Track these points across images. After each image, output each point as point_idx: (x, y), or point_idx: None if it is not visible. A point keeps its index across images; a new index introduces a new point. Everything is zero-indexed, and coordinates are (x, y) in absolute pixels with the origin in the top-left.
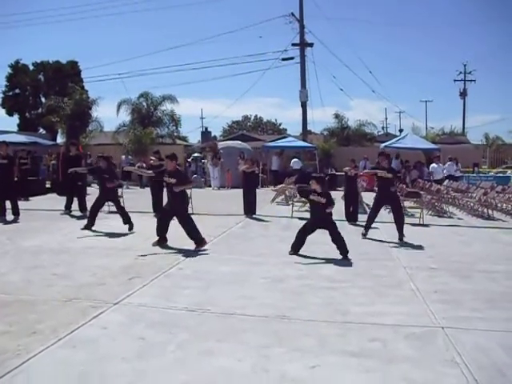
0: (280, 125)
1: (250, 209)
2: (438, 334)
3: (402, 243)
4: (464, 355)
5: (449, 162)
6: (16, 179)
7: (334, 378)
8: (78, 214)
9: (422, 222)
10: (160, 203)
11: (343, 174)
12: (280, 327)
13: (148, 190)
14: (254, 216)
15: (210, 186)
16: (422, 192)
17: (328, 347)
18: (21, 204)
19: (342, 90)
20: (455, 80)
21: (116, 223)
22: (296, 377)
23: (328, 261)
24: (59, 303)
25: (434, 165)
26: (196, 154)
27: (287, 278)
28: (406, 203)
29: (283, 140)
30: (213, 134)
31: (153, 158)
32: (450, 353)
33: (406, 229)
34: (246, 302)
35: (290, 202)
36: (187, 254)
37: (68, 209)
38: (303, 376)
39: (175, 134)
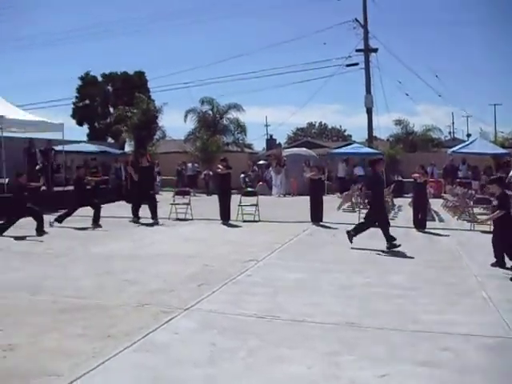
0: (345, 131)
1: (316, 216)
2: None
3: (473, 251)
4: None
5: None
6: (89, 187)
7: None
8: (146, 221)
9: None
10: (227, 211)
11: (411, 180)
12: (349, 335)
13: (214, 197)
14: (320, 223)
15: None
16: (491, 198)
17: (398, 356)
18: (91, 211)
19: (407, 95)
20: None
21: (184, 230)
22: None
23: (397, 268)
24: (131, 308)
25: None
26: (261, 162)
27: (355, 285)
28: (476, 210)
29: (348, 147)
30: (277, 142)
31: (220, 166)
32: None
33: (477, 236)
34: (315, 309)
35: (356, 209)
36: (255, 261)
37: (136, 216)
38: None
39: (240, 141)
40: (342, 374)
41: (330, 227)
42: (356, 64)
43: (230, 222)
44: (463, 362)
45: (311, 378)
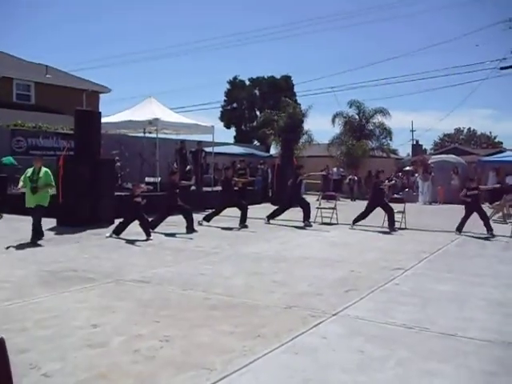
0: (495, 138)
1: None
2: None
3: None
4: None
5: None
6: (237, 188)
7: None
8: (290, 223)
9: None
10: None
11: None
12: (506, 354)
13: (359, 202)
14: (465, 234)
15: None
16: None
17: None
18: (239, 212)
19: None
20: None
21: (329, 234)
22: None
23: None
24: (280, 309)
25: None
26: (407, 168)
27: (510, 301)
28: None
29: (500, 154)
30: (423, 148)
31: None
32: None
33: None
34: (467, 323)
35: (508, 221)
36: (403, 269)
37: (271, 218)
38: None
39: (386, 146)
40: None
41: (479, 238)
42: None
43: (375, 228)
44: None
45: None
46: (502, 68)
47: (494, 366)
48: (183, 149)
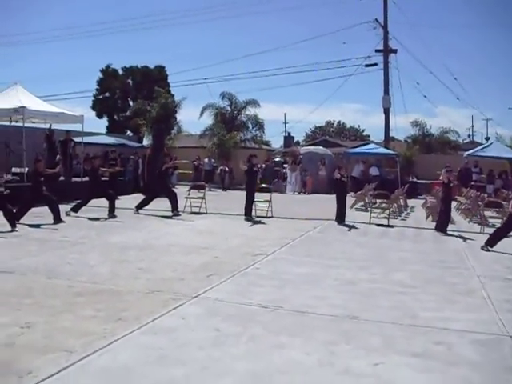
0: (363, 131)
1: (342, 216)
2: (505, 342)
3: (479, 252)
4: None
5: None
6: (105, 178)
7: (395, 375)
8: (159, 213)
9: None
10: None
11: (425, 182)
12: (348, 327)
13: (229, 192)
14: (334, 221)
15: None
16: (504, 202)
17: (393, 347)
18: (107, 202)
19: (425, 96)
20: None
21: (198, 223)
22: (359, 372)
23: (402, 267)
24: (142, 294)
25: None
26: (277, 159)
27: (360, 281)
28: (487, 213)
29: (365, 147)
30: (295, 139)
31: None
32: None
33: (486, 238)
34: (318, 301)
35: (368, 209)
36: (264, 254)
37: (140, 208)
38: (366, 371)
39: (258, 138)
40: (338, 362)
41: (341, 225)
42: (375, 64)
43: (243, 217)
44: (454, 355)
45: (308, 364)
46: (366, 65)
47: (338, 336)
48: (52, 136)
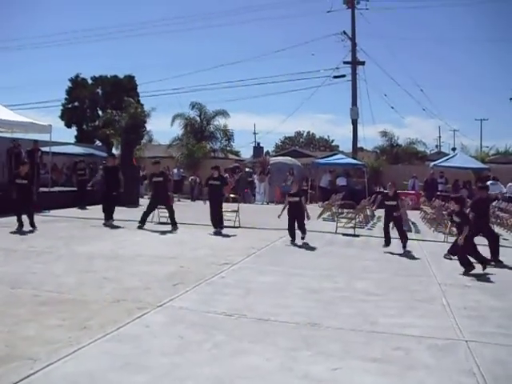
0: (332, 141)
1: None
2: (460, 346)
3: (442, 261)
4: (482, 367)
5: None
6: (75, 189)
7: (352, 380)
8: (130, 224)
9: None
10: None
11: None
12: (309, 333)
13: (198, 203)
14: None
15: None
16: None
17: (352, 353)
18: (77, 213)
19: (392, 107)
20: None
21: (165, 233)
22: (318, 377)
23: (366, 275)
24: (108, 303)
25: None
26: (247, 169)
27: (323, 289)
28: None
29: (333, 157)
30: (266, 150)
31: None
32: (469, 364)
33: (449, 247)
34: (281, 309)
35: (335, 219)
36: (230, 264)
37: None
38: (324, 376)
39: (228, 148)
40: (297, 367)
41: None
42: (343, 76)
43: (211, 227)
44: (412, 360)
45: (268, 369)
46: (335, 77)
47: (299, 342)
48: (15, 148)
